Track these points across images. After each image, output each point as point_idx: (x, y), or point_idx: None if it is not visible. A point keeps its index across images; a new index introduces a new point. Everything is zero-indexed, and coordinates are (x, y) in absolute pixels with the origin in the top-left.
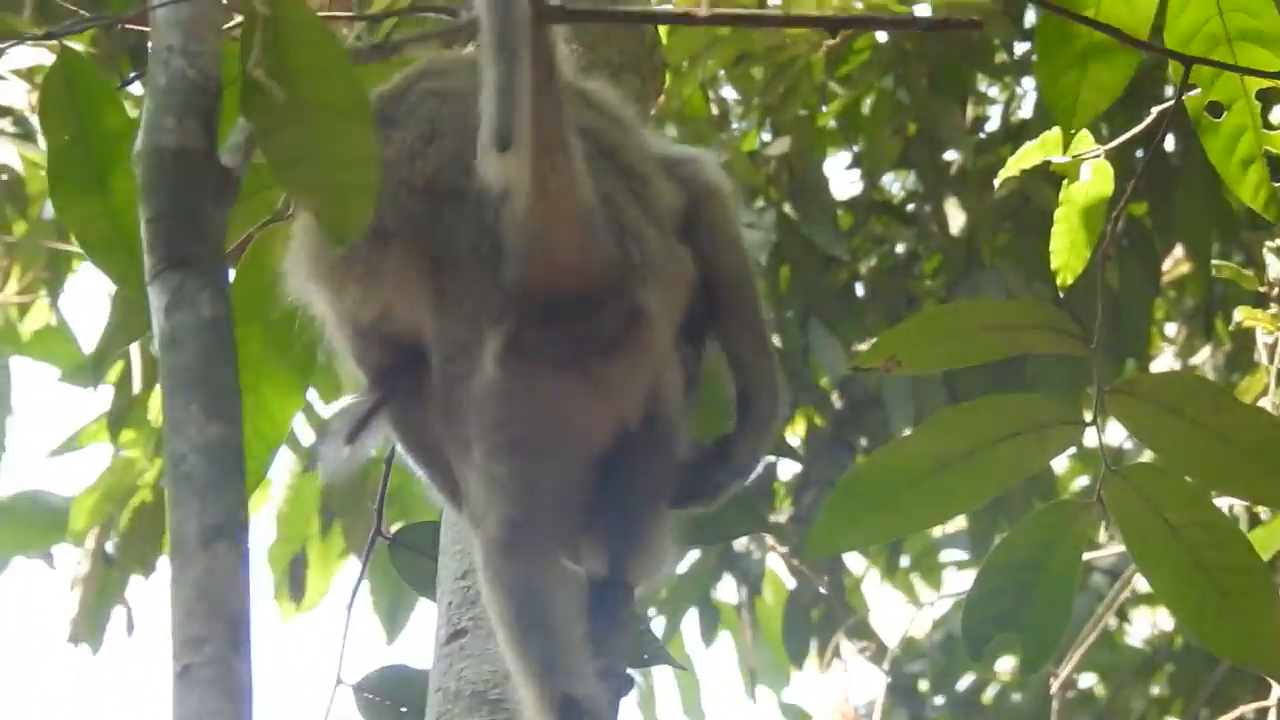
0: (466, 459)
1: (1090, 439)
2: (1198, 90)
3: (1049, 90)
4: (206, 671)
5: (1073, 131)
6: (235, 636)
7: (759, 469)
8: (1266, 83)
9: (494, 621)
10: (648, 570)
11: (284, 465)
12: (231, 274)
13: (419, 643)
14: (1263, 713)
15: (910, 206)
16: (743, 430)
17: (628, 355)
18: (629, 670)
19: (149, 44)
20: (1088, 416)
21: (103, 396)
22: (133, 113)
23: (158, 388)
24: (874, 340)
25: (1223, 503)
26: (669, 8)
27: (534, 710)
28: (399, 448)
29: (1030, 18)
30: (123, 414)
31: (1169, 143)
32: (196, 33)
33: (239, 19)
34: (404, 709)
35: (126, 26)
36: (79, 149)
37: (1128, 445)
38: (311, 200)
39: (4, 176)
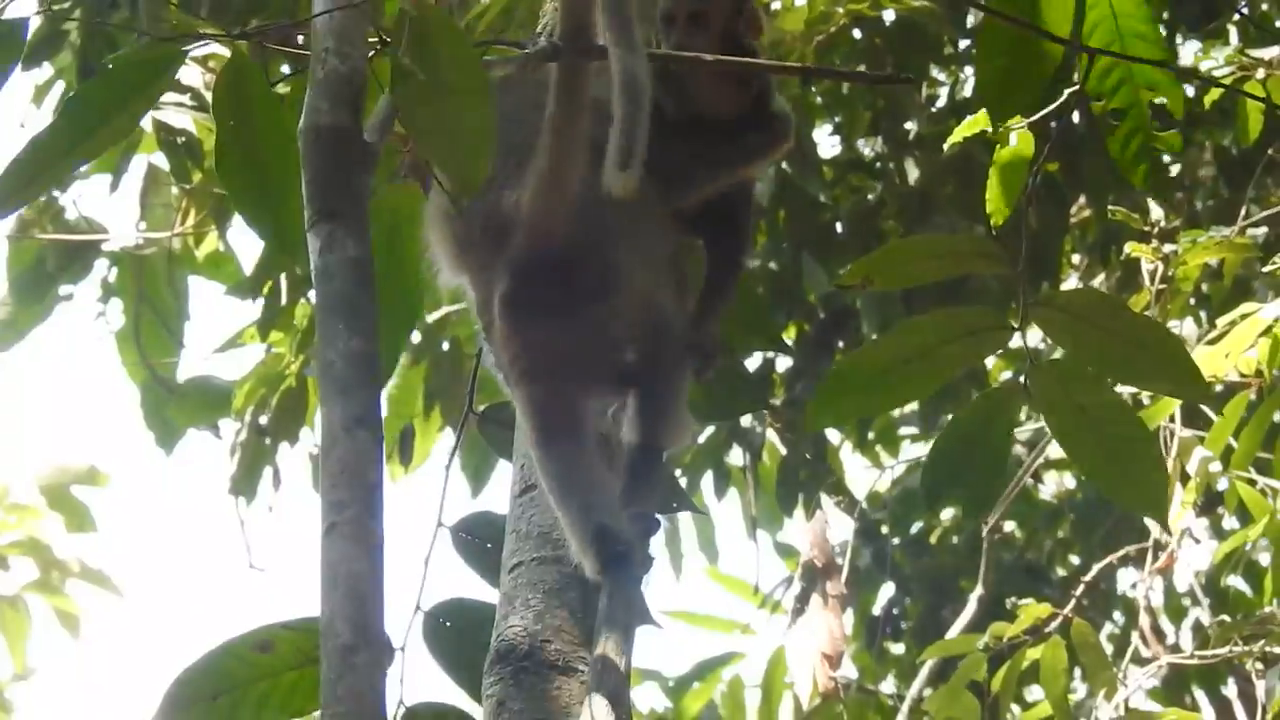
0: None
1: (1016, 342)
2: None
3: (985, 91)
4: (348, 529)
5: (1000, 121)
6: (371, 501)
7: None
8: (1155, 81)
9: (544, 489)
10: (673, 437)
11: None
12: None
13: (497, 497)
14: (1143, 551)
15: (878, 164)
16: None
17: (608, 299)
18: (657, 516)
19: (306, 44)
20: (1015, 324)
21: (257, 307)
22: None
23: (301, 301)
24: (851, 266)
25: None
26: None
27: (576, 541)
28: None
29: (971, 19)
30: (272, 320)
31: (1075, 116)
32: (347, 36)
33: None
34: (489, 545)
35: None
36: (242, 133)
37: (1043, 346)
38: (444, 162)
39: (184, 139)
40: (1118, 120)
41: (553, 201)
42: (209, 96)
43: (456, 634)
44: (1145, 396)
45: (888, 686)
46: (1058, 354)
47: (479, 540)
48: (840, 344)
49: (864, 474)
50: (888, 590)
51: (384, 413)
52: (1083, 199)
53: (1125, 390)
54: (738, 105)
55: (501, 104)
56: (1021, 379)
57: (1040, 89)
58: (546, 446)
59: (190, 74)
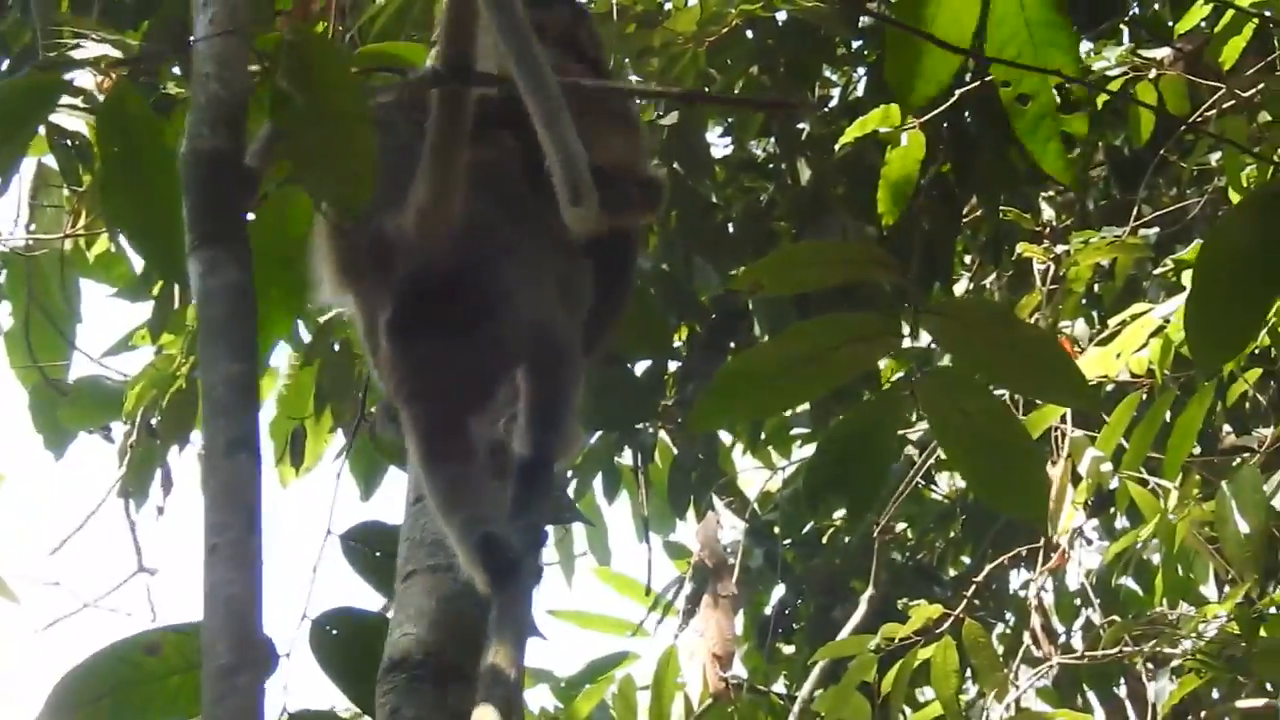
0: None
1: (907, 344)
2: (1009, 86)
3: (892, 77)
4: (229, 550)
5: (909, 110)
6: (251, 522)
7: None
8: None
9: (431, 505)
10: (562, 449)
11: (284, 358)
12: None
13: (389, 502)
14: (1034, 552)
15: (770, 165)
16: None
17: (494, 320)
18: (546, 528)
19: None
20: (905, 330)
21: (148, 309)
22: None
23: (192, 304)
24: (743, 268)
25: (1005, 392)
26: None
27: (463, 554)
28: None
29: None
30: (163, 322)
31: (967, 115)
32: (227, 62)
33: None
34: (379, 554)
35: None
36: (126, 159)
37: (933, 347)
38: (325, 187)
39: (75, 141)
40: (1024, 104)
41: (434, 227)
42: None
43: (344, 642)
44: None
45: (779, 687)
46: (946, 359)
47: (369, 548)
48: (732, 345)
49: (756, 475)
50: (779, 591)
51: (274, 414)
52: (974, 199)
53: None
54: (612, 152)
55: (388, 129)
56: (911, 383)
57: (949, 74)
58: (433, 464)
59: (82, 76)
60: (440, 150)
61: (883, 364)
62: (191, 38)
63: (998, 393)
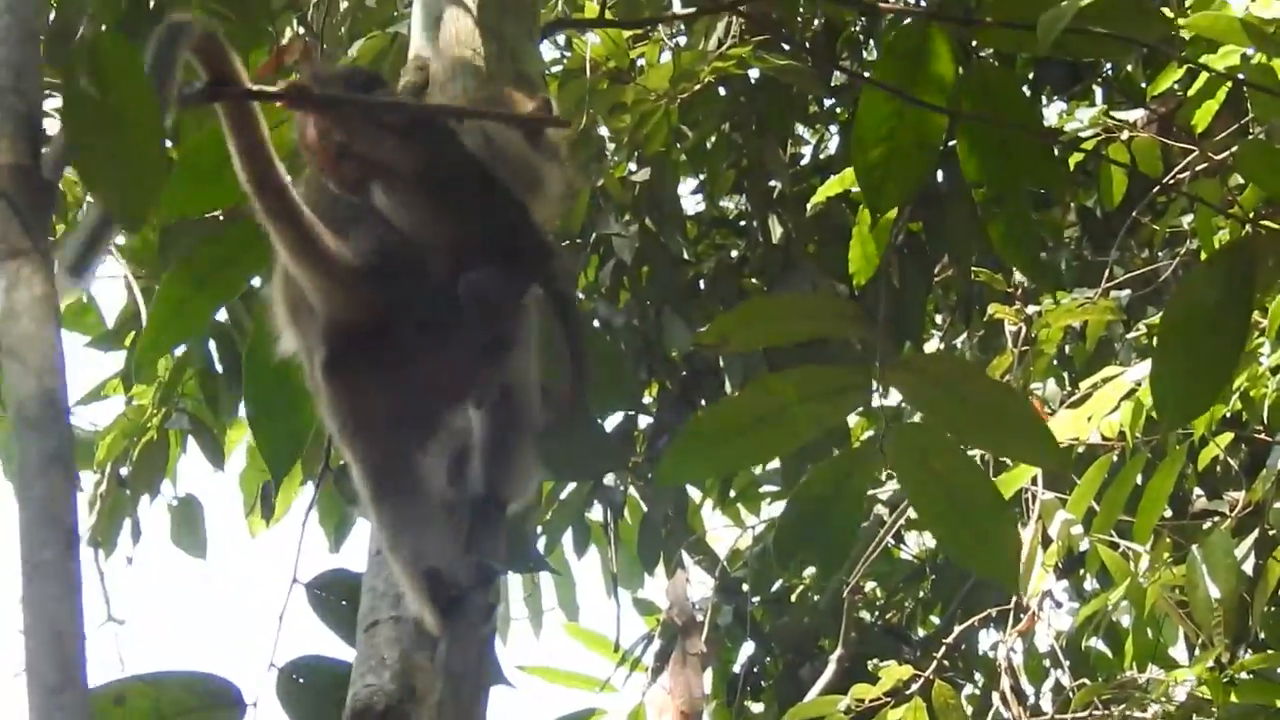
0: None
1: (877, 402)
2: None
3: (862, 181)
4: (49, 568)
5: (879, 212)
6: (69, 540)
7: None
8: (1033, 166)
9: (380, 542)
10: (516, 489)
11: None
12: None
13: (360, 553)
14: (1004, 613)
15: (742, 222)
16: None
17: (430, 357)
18: (496, 565)
19: None
20: (876, 387)
21: (119, 359)
22: None
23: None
24: (708, 325)
25: (975, 452)
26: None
27: (409, 590)
28: None
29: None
30: (134, 373)
31: (939, 176)
32: (24, 74)
33: None
34: (344, 602)
35: None
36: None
37: (904, 406)
38: (111, 192)
39: None
40: (997, 207)
41: (318, 271)
42: None
43: (312, 691)
44: (1008, 460)
45: None
46: (917, 416)
47: (334, 597)
48: (702, 401)
49: (725, 532)
50: (748, 649)
51: (244, 465)
52: (945, 258)
53: (981, 454)
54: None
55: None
56: (879, 440)
57: (919, 179)
58: (379, 501)
59: None
60: (257, 188)
61: (854, 423)
62: None
63: (969, 453)
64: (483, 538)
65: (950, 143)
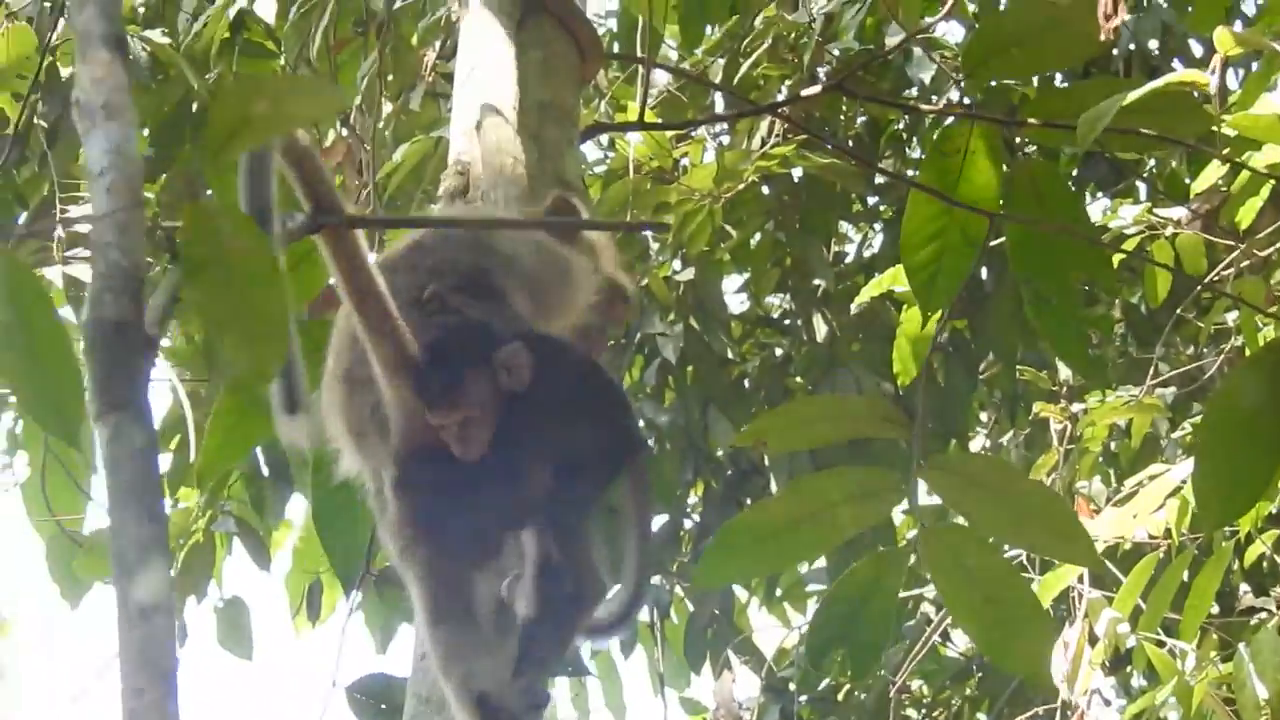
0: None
1: (921, 501)
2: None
3: (912, 282)
4: (145, 714)
5: (928, 312)
6: (167, 686)
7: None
8: (1085, 263)
9: (433, 664)
10: (575, 608)
11: (301, 509)
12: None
13: (405, 654)
14: (1051, 712)
15: (786, 320)
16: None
17: (495, 489)
18: (548, 690)
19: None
20: (923, 489)
21: (165, 462)
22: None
23: None
24: (747, 427)
25: (1018, 551)
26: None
27: (458, 711)
28: None
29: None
30: (180, 475)
31: (984, 273)
32: (128, 232)
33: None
34: (384, 706)
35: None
36: (16, 326)
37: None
38: (235, 351)
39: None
40: (1045, 305)
41: (401, 392)
42: None
43: None
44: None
45: None
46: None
47: (374, 701)
48: (748, 501)
49: (771, 631)
50: None
51: (289, 567)
52: (990, 356)
53: (1020, 554)
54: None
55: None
56: (914, 541)
57: (964, 277)
58: (436, 623)
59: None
60: (362, 315)
61: (899, 521)
62: (83, 199)
63: (1012, 553)
64: (535, 660)
65: (996, 240)
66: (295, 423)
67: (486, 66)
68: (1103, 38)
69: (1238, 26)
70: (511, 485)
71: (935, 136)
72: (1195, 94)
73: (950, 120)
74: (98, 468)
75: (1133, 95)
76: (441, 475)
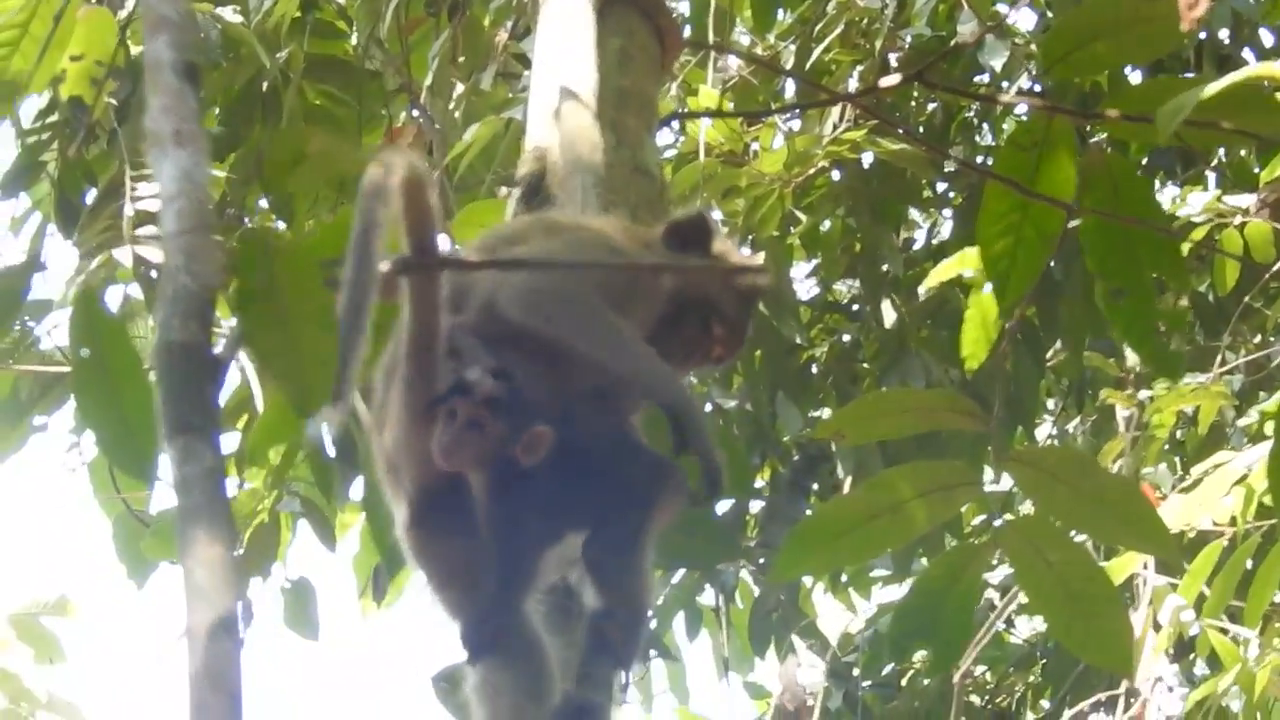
0: None
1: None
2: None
3: (990, 273)
4: None
5: (1006, 303)
6: (231, 706)
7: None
8: (1157, 261)
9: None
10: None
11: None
12: None
13: None
14: (1114, 699)
15: (855, 306)
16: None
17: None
18: (601, 702)
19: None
20: (988, 476)
21: (232, 440)
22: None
23: None
24: (826, 410)
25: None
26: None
27: None
28: None
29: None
30: (247, 455)
31: (1052, 262)
32: (197, 255)
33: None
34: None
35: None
36: (94, 362)
37: (1015, 489)
38: (284, 385)
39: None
40: (1119, 298)
41: (419, 437)
42: None
43: None
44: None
45: None
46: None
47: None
48: (815, 486)
49: (836, 616)
50: None
51: (357, 549)
52: (1058, 343)
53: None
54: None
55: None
56: (993, 531)
57: (1040, 269)
58: (473, 662)
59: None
60: (413, 350)
61: (964, 508)
62: (159, 231)
63: (1079, 538)
64: (596, 664)
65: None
66: (334, 412)
67: (566, 52)
68: (1185, 28)
69: None
70: (528, 536)
71: (1012, 129)
72: (1268, 86)
73: (1024, 110)
74: (162, 448)
75: (1210, 89)
76: (449, 518)
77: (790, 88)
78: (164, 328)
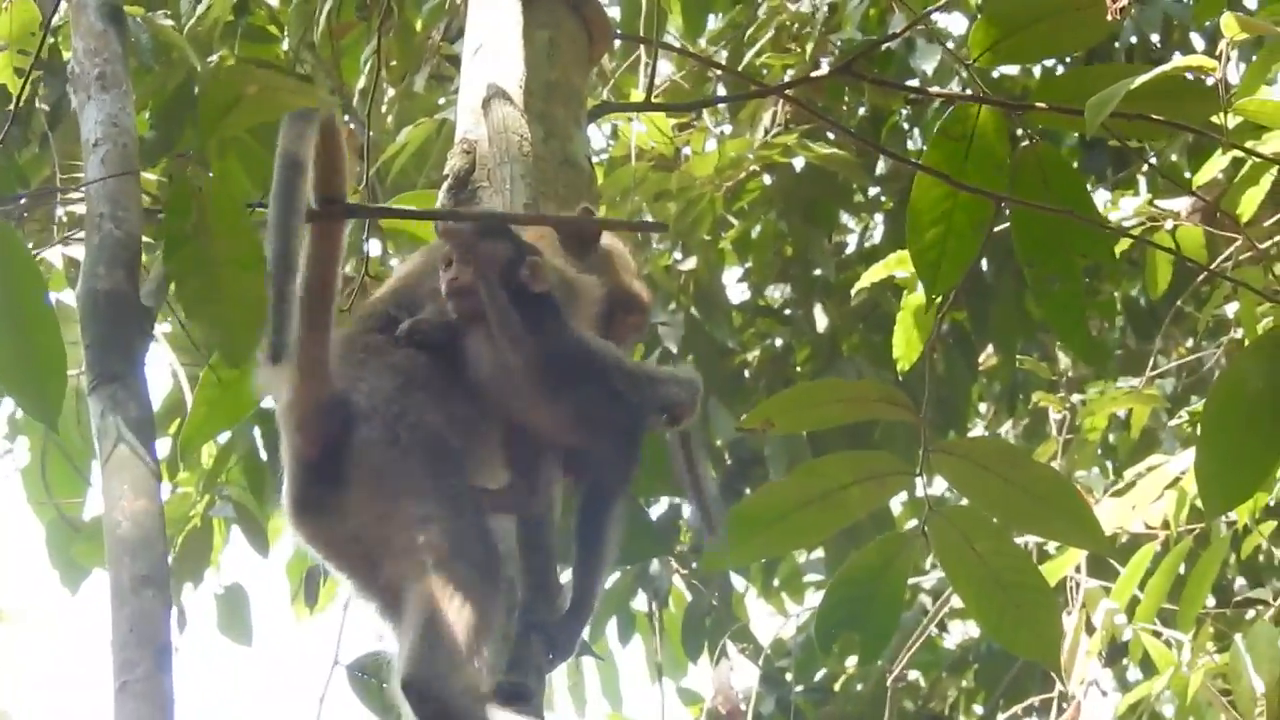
0: None
1: (919, 488)
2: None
3: (918, 264)
4: (139, 687)
5: (935, 294)
6: (161, 659)
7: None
8: (1088, 247)
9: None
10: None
11: None
12: None
13: None
14: (1047, 702)
15: (787, 310)
16: None
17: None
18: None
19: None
20: (919, 473)
21: (164, 447)
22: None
23: (209, 442)
24: (754, 408)
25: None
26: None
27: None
28: None
29: (881, 166)
30: (179, 460)
31: (984, 264)
32: (122, 203)
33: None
34: (385, 685)
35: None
36: (6, 304)
37: (948, 494)
38: (211, 331)
39: None
40: (1049, 288)
41: (307, 394)
42: None
43: None
44: (1052, 546)
45: None
46: (961, 501)
47: (376, 680)
48: (747, 490)
49: (769, 621)
50: None
51: (290, 554)
52: (990, 346)
53: (1032, 540)
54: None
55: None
56: (922, 524)
57: (970, 260)
58: (384, 621)
59: None
60: (312, 297)
61: (898, 513)
62: (83, 178)
63: (1018, 540)
64: (522, 661)
65: (999, 226)
66: (277, 372)
67: (493, 45)
68: (1110, 18)
69: None
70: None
71: (942, 119)
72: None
73: (955, 105)
74: (98, 452)
75: (1140, 79)
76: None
77: (722, 91)
78: (88, 276)
